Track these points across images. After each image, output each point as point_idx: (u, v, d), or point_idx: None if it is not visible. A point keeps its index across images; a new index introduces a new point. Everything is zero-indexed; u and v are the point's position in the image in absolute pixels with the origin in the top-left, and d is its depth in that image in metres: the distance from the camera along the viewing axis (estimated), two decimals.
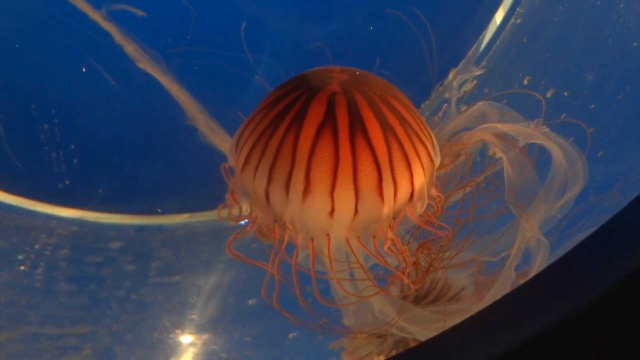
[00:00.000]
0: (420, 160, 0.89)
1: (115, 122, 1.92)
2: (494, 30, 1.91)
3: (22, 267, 1.76)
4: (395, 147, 0.87)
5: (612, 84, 0.95)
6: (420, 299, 1.26)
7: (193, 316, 1.63)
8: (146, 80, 1.75)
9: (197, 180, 2.03)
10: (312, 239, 0.92)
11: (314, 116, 0.87)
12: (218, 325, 1.60)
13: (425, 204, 0.91)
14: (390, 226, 0.90)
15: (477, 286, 1.26)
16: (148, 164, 2.00)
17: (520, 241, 0.95)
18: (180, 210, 2.05)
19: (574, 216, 0.99)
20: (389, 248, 0.91)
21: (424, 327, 1.05)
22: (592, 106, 1.11)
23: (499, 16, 1.95)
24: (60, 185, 1.94)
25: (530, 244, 0.95)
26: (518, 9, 1.74)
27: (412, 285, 0.99)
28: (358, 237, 0.93)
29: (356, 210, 0.87)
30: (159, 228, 1.99)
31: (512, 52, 1.66)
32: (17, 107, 1.83)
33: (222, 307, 1.64)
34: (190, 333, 1.60)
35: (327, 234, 0.91)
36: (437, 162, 0.95)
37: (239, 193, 0.97)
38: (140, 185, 2.02)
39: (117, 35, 1.18)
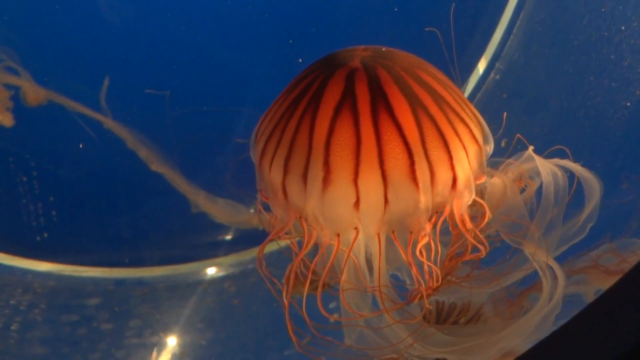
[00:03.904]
0: (461, 140, 0.79)
1: (94, 174, 1.90)
2: (475, 82, 1.93)
3: None
4: (427, 125, 0.77)
5: (585, 155, 0.96)
6: (441, 319, 1.20)
7: None
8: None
9: (179, 231, 2.01)
10: (338, 235, 0.81)
11: (331, 96, 0.78)
12: None
13: (473, 195, 0.81)
14: (429, 220, 0.79)
15: (495, 303, 1.23)
16: (128, 215, 1.97)
17: (531, 265, 0.91)
18: (161, 262, 2.01)
19: None
20: (422, 248, 0.81)
21: (452, 350, 0.95)
22: (567, 174, 1.11)
23: (481, 65, 1.97)
24: (38, 238, 1.91)
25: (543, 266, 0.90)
26: (497, 64, 1.76)
27: (428, 302, 0.89)
28: (393, 233, 0.82)
29: (386, 200, 0.77)
30: (139, 282, 1.95)
31: (492, 108, 1.67)
32: None
33: None
34: None
35: (356, 228, 0.80)
36: (488, 146, 0.86)
37: (266, 190, 0.88)
38: (120, 237, 1.99)
39: (131, 141, 1.20)
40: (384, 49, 0.85)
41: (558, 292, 0.89)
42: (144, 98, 1.68)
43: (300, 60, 1.65)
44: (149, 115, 1.69)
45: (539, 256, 0.90)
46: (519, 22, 1.76)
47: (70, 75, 1.66)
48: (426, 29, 1.27)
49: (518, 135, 0.94)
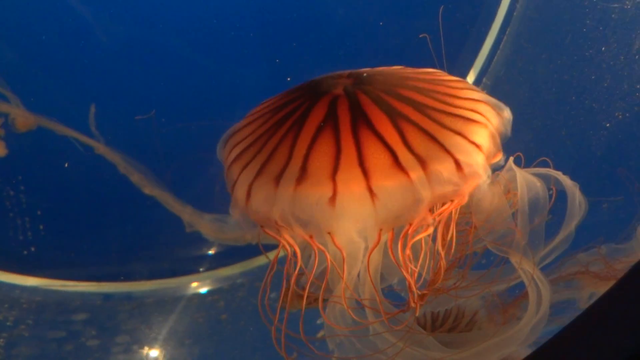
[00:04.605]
0: (452, 130, 0.81)
1: (82, 187, 1.89)
2: None
3: None
4: (408, 128, 0.80)
5: (566, 173, 0.97)
6: (437, 326, 1.22)
7: None
8: (113, 144, 1.75)
9: (168, 245, 2.00)
10: (312, 236, 0.80)
11: (314, 118, 0.83)
12: None
13: (489, 173, 0.81)
14: (431, 211, 0.78)
15: (488, 309, 1.23)
16: (117, 228, 1.96)
17: (519, 274, 0.92)
18: (150, 277, 2.00)
19: None
20: (417, 250, 0.80)
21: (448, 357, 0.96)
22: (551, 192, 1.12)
23: (470, 79, 1.99)
24: (25, 252, 1.89)
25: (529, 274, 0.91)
26: (484, 79, 1.77)
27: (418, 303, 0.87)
28: (391, 231, 0.80)
29: (371, 191, 0.77)
30: (128, 296, 1.94)
31: None
32: None
33: None
34: None
35: (329, 232, 0.79)
36: (505, 111, 0.89)
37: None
38: (109, 251, 1.98)
39: (122, 166, 1.21)
40: (365, 74, 0.88)
41: (544, 304, 0.90)
42: (133, 114, 1.68)
43: (288, 79, 1.66)
44: (137, 130, 1.69)
45: (525, 265, 0.90)
46: (505, 37, 1.78)
47: (60, 96, 1.66)
48: (420, 36, 1.29)
49: (518, 154, 0.95)
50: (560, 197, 0.96)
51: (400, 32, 1.90)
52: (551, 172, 0.95)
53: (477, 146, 0.80)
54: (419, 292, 0.86)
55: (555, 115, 1.25)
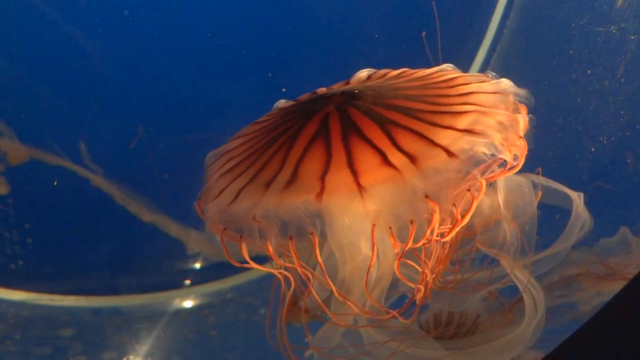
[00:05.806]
0: (441, 125, 0.83)
1: (70, 200, 1.88)
2: None
3: None
4: (397, 131, 0.82)
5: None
6: (440, 330, 1.24)
7: None
8: (101, 160, 1.74)
9: (158, 258, 1.99)
10: (291, 237, 0.81)
11: (307, 132, 0.87)
12: None
13: (492, 147, 0.81)
14: (427, 196, 0.76)
15: (489, 310, 1.24)
16: (106, 242, 1.95)
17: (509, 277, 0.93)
18: (139, 291, 1.99)
19: None
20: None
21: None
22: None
23: None
24: (13, 266, 1.87)
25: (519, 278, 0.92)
26: None
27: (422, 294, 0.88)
28: (390, 228, 0.80)
29: (360, 187, 0.78)
30: (116, 311, 1.92)
31: None
32: None
33: None
34: None
35: (313, 233, 0.80)
36: (505, 94, 0.90)
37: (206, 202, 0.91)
38: (98, 265, 1.96)
39: (119, 197, 1.21)
40: (356, 91, 0.91)
41: (539, 310, 0.91)
42: (126, 129, 1.68)
43: (283, 89, 1.68)
44: (131, 149, 1.69)
45: (517, 271, 0.91)
46: (495, 54, 1.80)
47: (53, 110, 1.65)
48: (421, 34, 1.29)
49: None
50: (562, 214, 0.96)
51: (394, 45, 1.91)
52: (550, 182, 0.96)
53: (469, 131, 0.81)
54: (426, 279, 0.88)
55: (543, 136, 1.26)
